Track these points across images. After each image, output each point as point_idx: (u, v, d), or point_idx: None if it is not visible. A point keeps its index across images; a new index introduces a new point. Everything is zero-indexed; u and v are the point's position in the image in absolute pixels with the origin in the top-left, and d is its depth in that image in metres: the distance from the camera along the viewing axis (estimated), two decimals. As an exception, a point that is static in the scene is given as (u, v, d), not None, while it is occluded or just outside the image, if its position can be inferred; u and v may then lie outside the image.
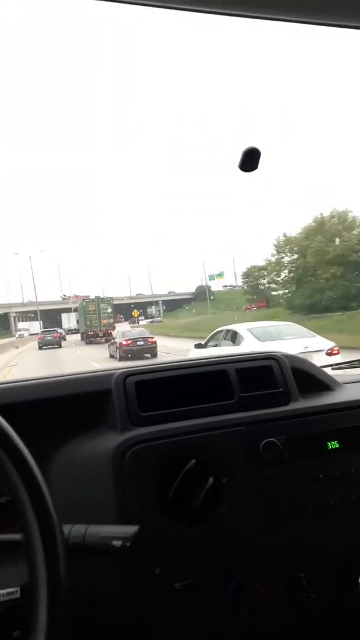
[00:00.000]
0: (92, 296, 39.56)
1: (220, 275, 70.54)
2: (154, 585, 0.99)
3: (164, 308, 63.54)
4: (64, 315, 54.29)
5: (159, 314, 63.89)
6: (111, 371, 1.21)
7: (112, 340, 20.42)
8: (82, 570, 0.69)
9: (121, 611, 1.00)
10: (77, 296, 64.14)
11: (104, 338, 34.31)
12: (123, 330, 21.04)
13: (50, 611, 0.56)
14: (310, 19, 0.84)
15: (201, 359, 1.41)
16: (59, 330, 34.91)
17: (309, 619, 1.12)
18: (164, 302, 69.49)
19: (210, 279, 77.34)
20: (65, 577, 0.59)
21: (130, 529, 0.80)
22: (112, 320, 36.45)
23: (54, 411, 1.16)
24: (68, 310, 58.62)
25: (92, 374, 1.31)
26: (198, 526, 1.02)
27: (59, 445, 1.13)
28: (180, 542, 1.02)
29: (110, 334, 28.09)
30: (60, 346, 29.53)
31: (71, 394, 1.21)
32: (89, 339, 34.91)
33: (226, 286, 76.28)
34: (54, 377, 1.31)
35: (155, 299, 71.53)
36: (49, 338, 29.66)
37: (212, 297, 65.41)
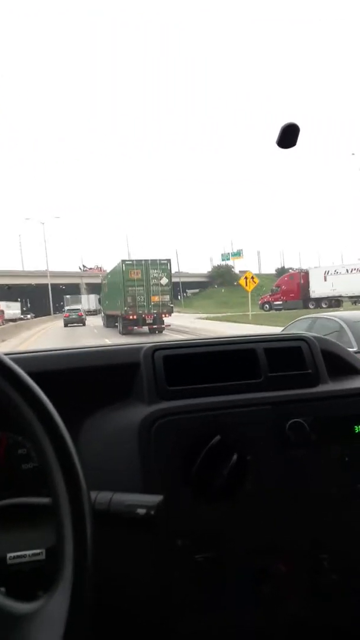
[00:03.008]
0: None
1: (237, 254, 55.98)
2: (176, 555, 1.00)
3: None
4: (83, 297, 52.76)
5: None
6: (140, 344, 1.22)
7: None
8: (105, 537, 0.68)
9: (142, 579, 1.00)
10: (100, 268, 50.36)
11: (156, 326, 20.61)
12: None
13: (76, 573, 0.57)
14: None
15: (230, 337, 1.33)
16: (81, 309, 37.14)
17: (331, 601, 1.11)
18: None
19: (223, 259, 64.13)
20: (91, 540, 0.59)
21: (155, 498, 0.80)
22: (168, 298, 22.24)
23: (83, 381, 1.17)
24: (72, 289, 49.76)
25: (121, 346, 1.29)
26: (221, 502, 1.02)
27: (87, 414, 1.13)
28: (203, 517, 1.02)
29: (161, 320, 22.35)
30: (84, 324, 32.98)
31: (100, 365, 1.21)
32: (128, 326, 21.06)
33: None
34: (84, 347, 1.31)
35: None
36: (74, 316, 33.78)
37: (235, 283, 52.51)
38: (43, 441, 0.62)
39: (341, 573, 1.09)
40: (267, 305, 41.78)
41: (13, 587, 0.68)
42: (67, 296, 55.36)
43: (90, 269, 66.51)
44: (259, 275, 61.97)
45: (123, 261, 22.57)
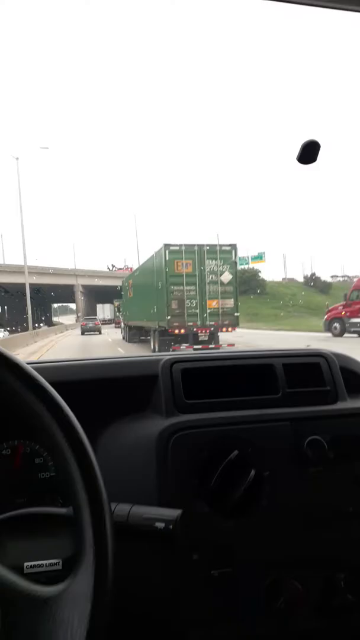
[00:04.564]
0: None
1: (259, 257, 48.33)
2: (192, 570, 1.00)
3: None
4: (98, 306, 51.16)
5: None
6: (159, 356, 1.21)
7: None
8: (122, 549, 0.69)
9: (157, 592, 1.01)
10: (130, 269, 42.05)
11: (213, 347, 13.08)
12: None
13: (98, 561, 0.59)
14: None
15: (248, 351, 1.32)
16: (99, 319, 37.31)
17: (345, 621, 1.11)
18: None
19: (241, 263, 56.66)
20: (112, 551, 0.61)
21: (174, 513, 0.81)
22: (233, 304, 14.53)
23: (102, 392, 1.17)
24: (65, 292, 49.18)
25: (140, 358, 1.30)
26: (238, 517, 1.01)
27: (105, 425, 1.14)
28: (219, 532, 1.01)
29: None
30: (100, 332, 32.47)
31: (119, 377, 1.22)
32: (170, 344, 13.80)
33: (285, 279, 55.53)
34: (103, 359, 1.31)
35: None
36: (90, 325, 33.54)
37: (258, 291, 44.85)
38: (64, 450, 0.63)
39: (357, 592, 1.08)
40: (336, 325, 21.19)
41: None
42: (75, 310, 48.26)
43: (120, 269, 56.57)
44: (284, 284, 55.25)
45: (166, 246, 14.93)
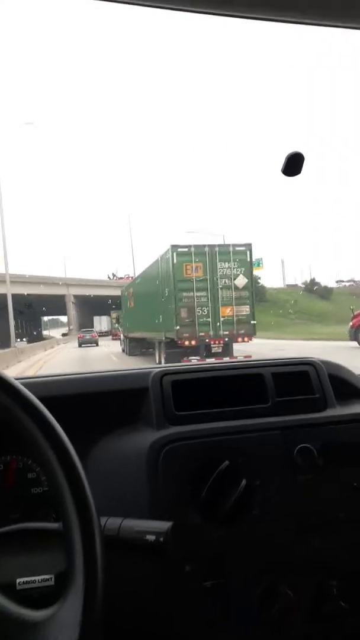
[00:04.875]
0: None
1: (257, 263, 46.57)
2: (184, 582, 1.00)
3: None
4: (95, 318, 50.17)
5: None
6: (148, 369, 1.23)
7: None
8: (114, 563, 0.68)
9: (150, 605, 1.01)
10: (131, 278, 39.53)
11: (227, 355, 11.46)
12: None
13: (87, 586, 0.58)
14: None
15: (237, 362, 1.36)
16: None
17: (338, 627, 1.11)
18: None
19: None
20: (102, 567, 0.60)
21: (165, 525, 0.81)
22: (249, 311, 12.88)
23: (92, 406, 1.17)
24: (55, 303, 47.06)
25: (129, 371, 1.30)
26: (230, 527, 1.02)
27: (96, 439, 1.14)
28: (211, 542, 1.02)
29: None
30: (97, 344, 31.83)
31: (109, 390, 1.22)
32: (179, 356, 11.98)
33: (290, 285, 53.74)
34: (92, 373, 1.33)
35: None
36: (87, 337, 33.43)
37: (258, 298, 43.32)
38: (54, 466, 0.63)
39: (349, 599, 1.09)
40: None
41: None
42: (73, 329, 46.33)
43: (120, 278, 53.65)
44: (284, 290, 53.80)
45: (174, 247, 13.35)
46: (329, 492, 1.10)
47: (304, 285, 51.69)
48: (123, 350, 22.48)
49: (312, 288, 48.88)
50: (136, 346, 20.06)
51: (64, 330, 57.84)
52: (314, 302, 45.06)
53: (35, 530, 0.81)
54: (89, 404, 1.16)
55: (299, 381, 1.23)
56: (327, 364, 1.30)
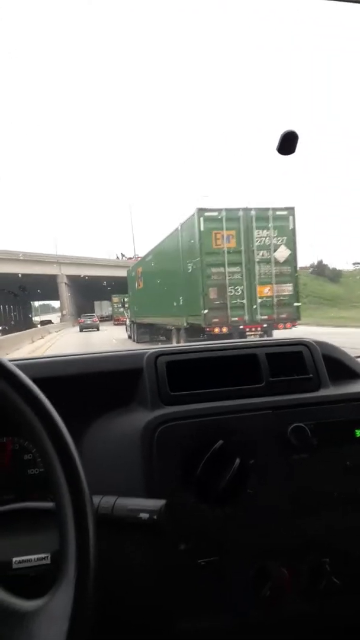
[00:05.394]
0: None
1: None
2: (179, 560, 1.01)
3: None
4: (96, 303, 47.47)
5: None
6: (143, 350, 1.23)
7: None
8: (109, 542, 0.71)
9: (145, 584, 1.02)
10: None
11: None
12: None
13: (78, 578, 0.59)
14: None
15: (232, 342, 1.34)
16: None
17: (332, 605, 1.12)
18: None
19: None
20: (94, 545, 0.61)
21: (158, 503, 0.83)
22: (292, 290, 10.22)
23: (87, 387, 1.17)
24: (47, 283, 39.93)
25: (124, 352, 1.29)
26: (224, 506, 1.02)
27: (90, 419, 1.15)
28: (206, 521, 1.03)
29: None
30: (98, 329, 30.52)
31: (104, 371, 1.22)
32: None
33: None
34: (87, 354, 1.32)
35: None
36: (88, 322, 32.13)
37: None
38: (46, 446, 0.64)
39: (343, 576, 1.09)
40: None
41: (18, 592, 0.70)
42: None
43: (130, 258, 49.72)
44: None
45: (201, 211, 10.85)
46: (323, 472, 1.11)
47: (311, 268, 49.20)
48: (129, 337, 19.80)
49: (321, 271, 46.31)
50: (145, 332, 17.67)
51: (56, 316, 54.11)
52: (323, 286, 42.66)
53: (31, 510, 0.82)
54: (83, 385, 1.16)
55: (293, 361, 1.23)
56: (321, 344, 1.31)
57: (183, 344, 1.42)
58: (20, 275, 33.16)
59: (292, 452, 1.07)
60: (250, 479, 1.03)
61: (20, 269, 33.33)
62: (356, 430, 1.13)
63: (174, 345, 1.43)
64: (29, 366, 1.13)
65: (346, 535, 1.11)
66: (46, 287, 43.68)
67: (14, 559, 0.78)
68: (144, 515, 0.81)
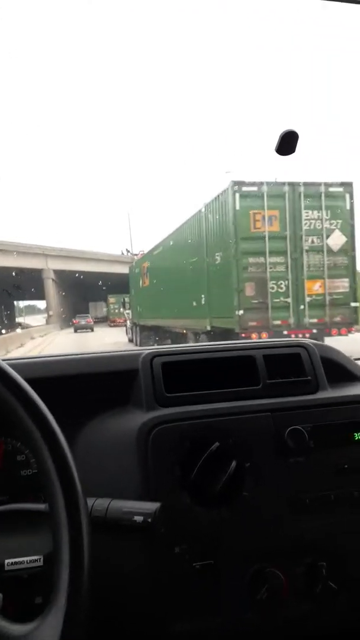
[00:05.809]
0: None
1: None
2: (174, 563, 1.01)
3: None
4: (91, 304, 46.02)
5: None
6: (139, 351, 1.22)
7: None
8: (102, 545, 0.70)
9: (139, 587, 1.02)
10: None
11: None
12: None
13: (72, 580, 0.59)
14: None
15: (229, 343, 1.34)
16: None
17: (328, 608, 1.13)
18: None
19: None
20: (88, 547, 0.61)
21: (153, 506, 0.83)
22: (348, 285, 7.78)
23: (82, 387, 1.17)
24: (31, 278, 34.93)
25: (119, 353, 1.29)
26: (219, 509, 1.03)
27: (85, 420, 1.14)
28: (201, 524, 1.03)
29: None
30: (92, 330, 29.94)
31: (99, 372, 1.22)
32: None
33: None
34: (82, 354, 1.32)
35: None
36: (83, 322, 31.48)
37: None
38: (40, 447, 0.64)
39: (339, 580, 1.10)
40: None
41: (11, 594, 0.68)
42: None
43: (135, 254, 46.46)
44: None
45: (237, 185, 8.54)
46: (320, 475, 1.11)
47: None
48: (131, 340, 17.56)
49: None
50: (149, 336, 15.48)
51: (42, 317, 50.39)
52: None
53: (23, 512, 0.82)
54: (78, 386, 1.16)
55: (291, 363, 1.24)
56: (320, 346, 1.31)
57: (179, 345, 1.37)
58: (14, 274, 29.25)
59: (289, 455, 1.07)
60: (246, 481, 1.03)
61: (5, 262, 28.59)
62: (354, 434, 1.13)
63: (170, 345, 1.42)
64: (22, 366, 1.11)
65: (342, 539, 1.12)
66: (30, 284, 39.48)
67: (6, 561, 0.79)
68: (139, 518, 0.81)
